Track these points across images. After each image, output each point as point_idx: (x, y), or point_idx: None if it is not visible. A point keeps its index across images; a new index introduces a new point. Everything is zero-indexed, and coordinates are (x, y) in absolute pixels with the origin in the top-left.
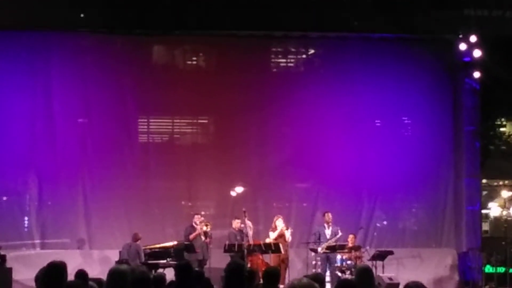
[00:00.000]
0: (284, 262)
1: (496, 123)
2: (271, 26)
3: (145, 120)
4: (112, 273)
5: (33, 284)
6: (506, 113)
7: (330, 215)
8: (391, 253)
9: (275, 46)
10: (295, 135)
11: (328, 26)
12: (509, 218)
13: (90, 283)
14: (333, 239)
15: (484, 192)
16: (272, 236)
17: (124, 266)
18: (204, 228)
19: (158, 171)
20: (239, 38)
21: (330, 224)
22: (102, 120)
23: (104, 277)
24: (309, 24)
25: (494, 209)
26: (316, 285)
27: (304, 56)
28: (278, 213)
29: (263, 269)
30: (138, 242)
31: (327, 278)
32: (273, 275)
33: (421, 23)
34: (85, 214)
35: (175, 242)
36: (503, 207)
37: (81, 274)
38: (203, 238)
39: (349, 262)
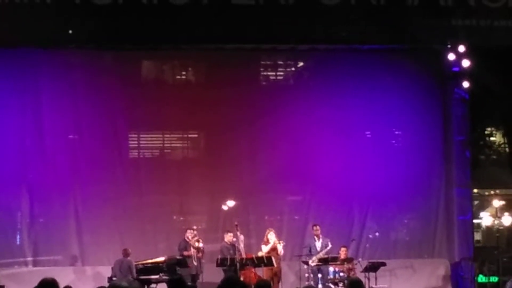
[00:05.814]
0: (277, 275)
1: (486, 132)
2: (260, 39)
3: (136, 136)
4: None
5: None
6: (495, 123)
7: (318, 227)
8: (383, 264)
9: (264, 59)
10: (286, 148)
11: (317, 38)
12: (501, 228)
13: None
14: (323, 251)
15: (476, 202)
16: (265, 249)
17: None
18: (196, 244)
19: (149, 186)
20: (228, 51)
21: (319, 236)
22: (92, 136)
23: None
24: (298, 37)
25: (486, 219)
26: None
27: (293, 68)
28: (270, 226)
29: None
30: (129, 258)
31: None
32: None
33: (409, 33)
34: (77, 231)
35: (165, 257)
36: (495, 216)
37: None
38: (195, 252)
39: (341, 274)
